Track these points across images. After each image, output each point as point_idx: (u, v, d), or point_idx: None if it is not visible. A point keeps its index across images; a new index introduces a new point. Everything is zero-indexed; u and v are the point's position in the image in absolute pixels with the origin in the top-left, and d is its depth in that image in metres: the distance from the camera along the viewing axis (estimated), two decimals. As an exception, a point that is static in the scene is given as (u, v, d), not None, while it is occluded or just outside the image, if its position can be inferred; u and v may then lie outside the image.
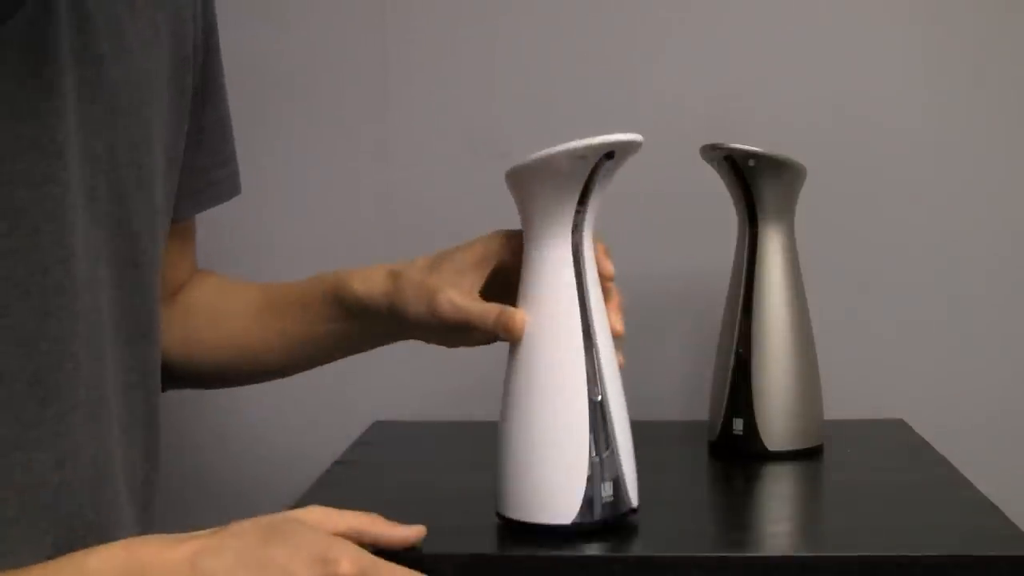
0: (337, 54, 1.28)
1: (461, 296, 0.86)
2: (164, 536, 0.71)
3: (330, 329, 0.94)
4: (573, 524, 0.81)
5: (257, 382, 1.02)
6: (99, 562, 0.69)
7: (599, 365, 0.82)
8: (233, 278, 1.01)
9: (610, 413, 0.83)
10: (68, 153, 0.75)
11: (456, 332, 0.88)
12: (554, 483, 0.82)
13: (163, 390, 0.89)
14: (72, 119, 0.75)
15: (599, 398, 0.82)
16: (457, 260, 0.88)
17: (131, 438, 0.83)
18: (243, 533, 0.70)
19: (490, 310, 0.84)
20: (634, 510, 0.85)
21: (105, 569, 0.68)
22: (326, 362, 0.99)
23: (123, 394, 0.81)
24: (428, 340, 0.92)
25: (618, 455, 0.83)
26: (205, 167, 0.94)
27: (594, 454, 0.81)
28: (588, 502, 0.81)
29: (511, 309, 0.83)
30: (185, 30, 0.88)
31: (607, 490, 0.82)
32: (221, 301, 0.98)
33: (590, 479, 0.81)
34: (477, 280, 0.87)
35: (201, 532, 0.71)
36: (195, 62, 0.89)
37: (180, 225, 0.93)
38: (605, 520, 0.82)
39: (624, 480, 0.83)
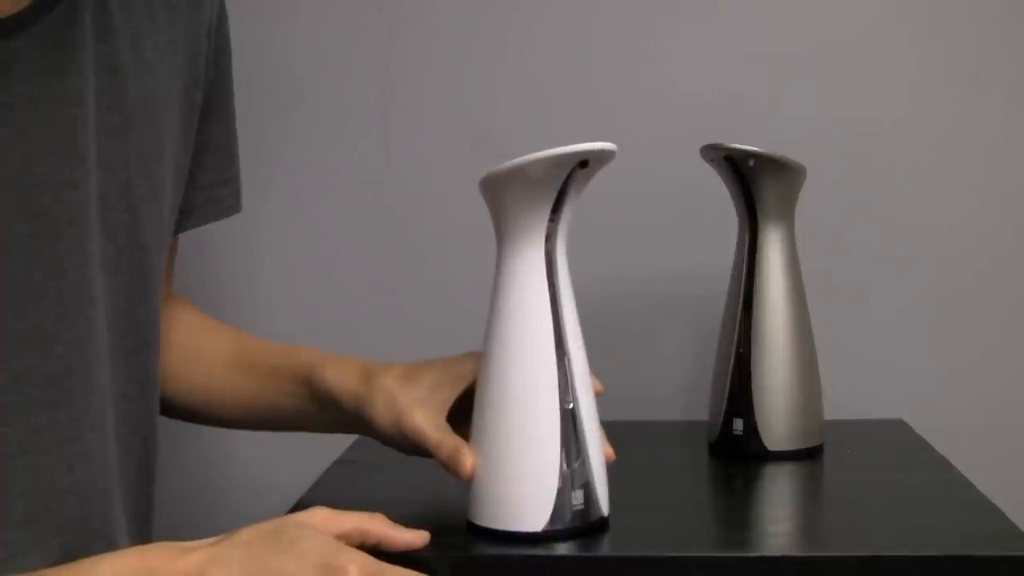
0: (336, 54, 1.28)
1: (427, 419, 0.85)
2: (173, 544, 0.71)
3: (295, 405, 0.94)
4: (543, 531, 0.81)
5: (219, 426, 1.01)
6: (110, 568, 0.69)
7: (571, 373, 0.82)
8: (209, 318, 1.00)
9: (581, 421, 0.83)
10: (89, 160, 0.75)
11: (419, 450, 0.87)
12: (525, 490, 0.82)
13: None
14: (92, 126, 0.76)
15: (571, 406, 0.82)
16: (433, 376, 0.87)
17: (127, 449, 0.82)
18: (250, 541, 0.70)
19: (444, 444, 0.84)
20: (604, 518, 0.85)
21: (116, 575, 0.68)
22: (287, 430, 0.98)
23: (121, 405, 0.81)
24: (390, 446, 0.91)
25: (589, 463, 0.83)
26: (208, 183, 0.94)
27: (565, 462, 0.81)
28: (559, 509, 0.81)
29: (464, 451, 0.83)
30: (200, 47, 0.88)
31: (578, 498, 0.82)
32: (195, 344, 0.98)
33: (561, 487, 0.81)
34: (450, 397, 0.87)
35: (208, 540, 0.71)
36: (205, 79, 0.90)
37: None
38: (575, 528, 0.82)
39: (595, 488, 0.83)
